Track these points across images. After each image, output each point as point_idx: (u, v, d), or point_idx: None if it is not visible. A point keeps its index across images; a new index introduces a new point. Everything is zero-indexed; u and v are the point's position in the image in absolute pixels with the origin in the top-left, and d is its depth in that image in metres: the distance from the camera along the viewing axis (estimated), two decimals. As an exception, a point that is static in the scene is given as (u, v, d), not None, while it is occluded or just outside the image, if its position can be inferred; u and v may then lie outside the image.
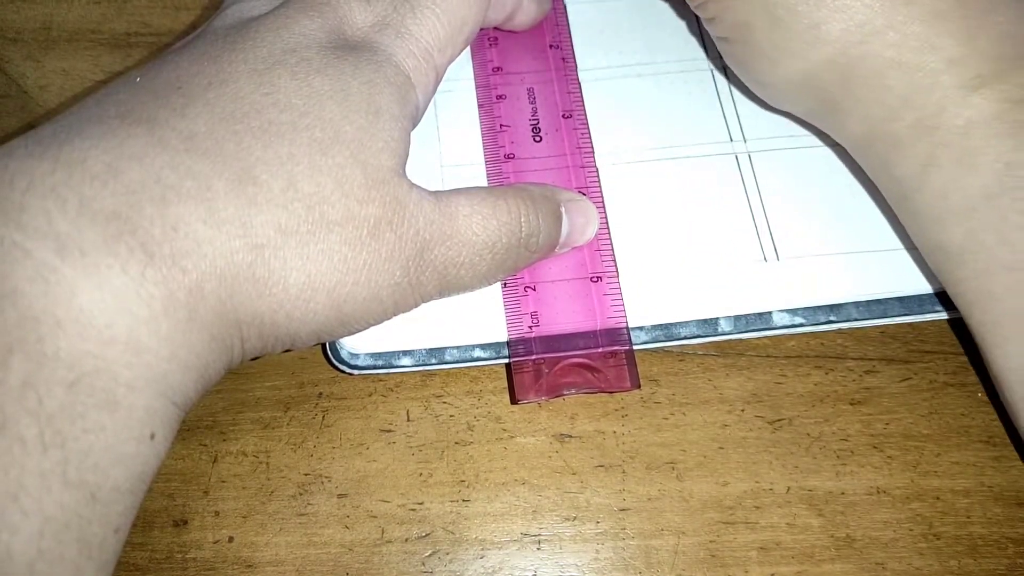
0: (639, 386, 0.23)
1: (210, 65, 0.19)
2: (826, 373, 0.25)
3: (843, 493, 0.23)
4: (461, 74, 0.28)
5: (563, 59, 0.28)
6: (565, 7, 0.29)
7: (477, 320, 0.24)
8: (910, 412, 0.24)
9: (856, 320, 0.24)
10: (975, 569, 0.22)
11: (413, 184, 0.20)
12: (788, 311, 0.24)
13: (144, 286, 0.16)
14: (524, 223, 0.22)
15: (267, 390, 0.25)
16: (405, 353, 0.24)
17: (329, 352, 0.24)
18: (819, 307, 0.24)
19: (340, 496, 0.23)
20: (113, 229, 0.16)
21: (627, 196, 0.26)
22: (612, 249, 0.24)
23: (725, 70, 0.28)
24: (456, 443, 0.24)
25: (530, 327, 0.23)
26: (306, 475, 0.24)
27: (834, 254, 0.25)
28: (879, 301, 0.24)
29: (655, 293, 0.24)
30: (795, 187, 0.26)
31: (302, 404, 0.25)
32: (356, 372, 0.24)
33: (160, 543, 0.23)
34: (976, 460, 0.24)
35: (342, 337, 0.20)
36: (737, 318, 0.24)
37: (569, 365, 0.23)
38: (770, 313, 0.24)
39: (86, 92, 0.29)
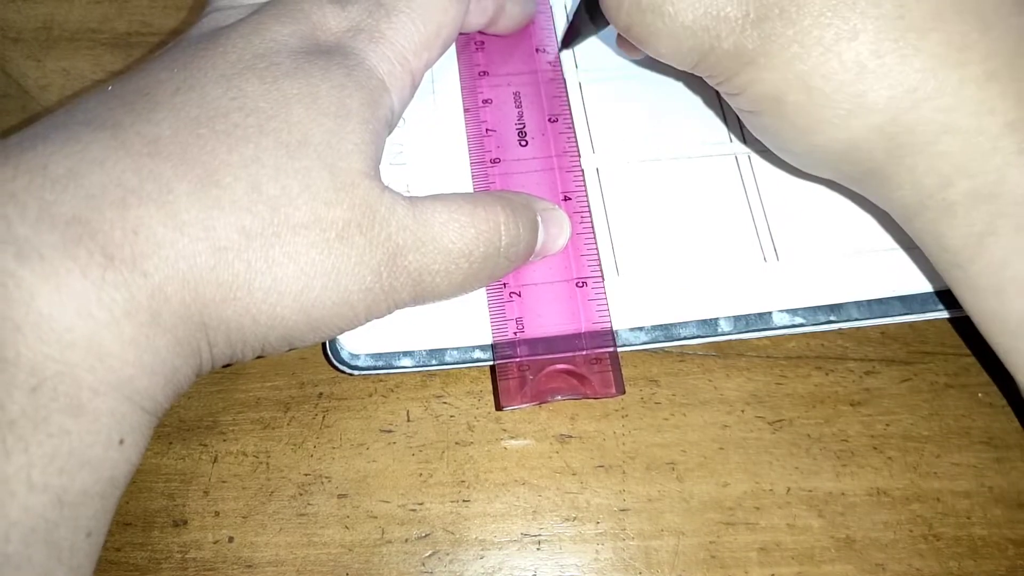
0: (624, 392, 0.23)
1: (179, 72, 0.19)
2: (826, 374, 0.25)
3: (843, 494, 0.23)
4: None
5: (549, 63, 0.28)
6: (551, 10, 0.29)
7: (477, 321, 0.24)
8: (910, 413, 0.24)
9: (856, 320, 0.24)
10: (975, 570, 0.22)
11: (386, 188, 0.20)
12: (788, 311, 0.24)
13: (104, 290, 0.16)
14: (504, 232, 0.21)
15: (267, 390, 0.25)
16: (405, 354, 0.24)
17: (329, 353, 0.24)
18: (819, 307, 0.24)
19: (340, 496, 0.23)
20: (73, 233, 0.16)
21: (627, 196, 0.26)
22: (598, 254, 0.24)
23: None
24: (456, 443, 0.24)
25: (515, 332, 0.23)
26: (306, 475, 0.24)
27: (834, 254, 0.25)
28: (880, 301, 0.24)
29: (655, 293, 0.24)
30: (795, 188, 0.26)
31: (302, 404, 0.25)
32: (356, 373, 0.24)
33: (160, 543, 0.23)
34: (976, 461, 0.23)
35: (314, 342, 0.20)
36: (737, 318, 0.24)
37: (554, 371, 0.23)
38: (770, 313, 0.24)
39: (87, 92, 0.29)
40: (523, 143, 0.26)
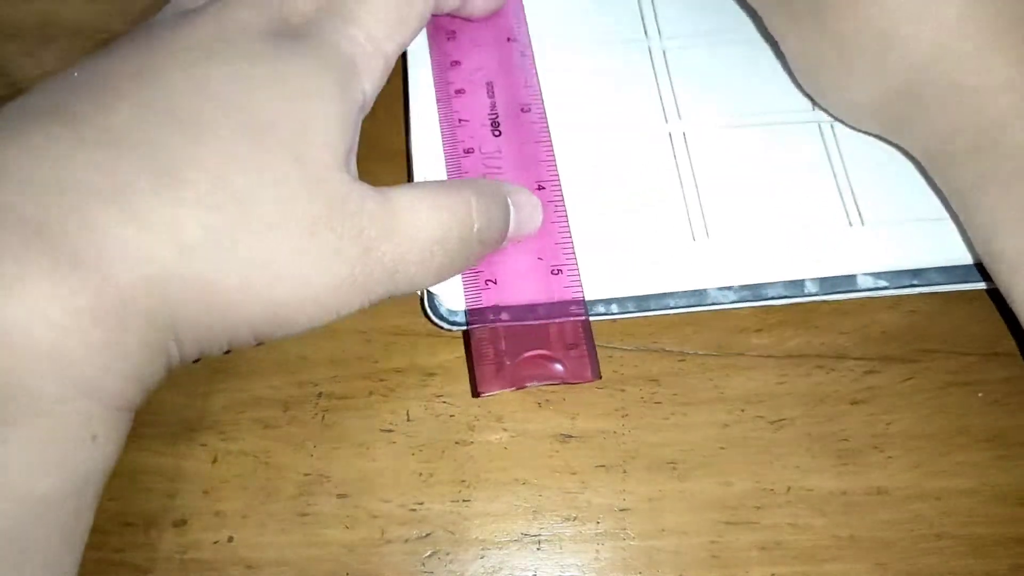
0: (600, 376, 0.23)
1: (143, 57, 0.19)
2: (827, 373, 0.25)
3: (845, 493, 0.23)
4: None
5: (521, 53, 0.27)
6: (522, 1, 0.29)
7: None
8: (912, 412, 0.24)
9: (938, 284, 0.24)
10: (977, 569, 0.22)
11: (356, 180, 0.20)
12: (872, 274, 0.24)
13: (68, 295, 0.16)
14: (476, 215, 0.21)
15: (267, 390, 0.25)
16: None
17: (427, 307, 0.24)
18: (903, 271, 0.24)
19: (340, 496, 0.23)
20: (33, 236, 0.16)
21: (714, 161, 0.26)
22: (572, 241, 0.24)
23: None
24: (456, 443, 0.24)
25: (491, 319, 0.23)
26: (306, 475, 0.24)
27: (917, 220, 0.25)
28: (961, 267, 0.24)
29: (743, 255, 0.25)
30: (878, 155, 0.26)
31: (302, 404, 0.25)
32: (455, 329, 0.24)
33: (160, 543, 0.23)
34: (979, 460, 0.23)
35: (283, 337, 0.20)
36: (823, 280, 0.24)
37: (531, 357, 0.23)
38: (855, 276, 0.24)
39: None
40: (496, 133, 0.26)
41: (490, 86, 0.27)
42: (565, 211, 0.25)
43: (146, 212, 0.17)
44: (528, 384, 0.23)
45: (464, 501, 0.23)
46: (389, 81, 0.29)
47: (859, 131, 0.26)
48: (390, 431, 0.24)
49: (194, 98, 0.18)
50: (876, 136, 0.26)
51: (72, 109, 0.17)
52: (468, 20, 0.27)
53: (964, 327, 0.25)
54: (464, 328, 0.24)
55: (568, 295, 0.24)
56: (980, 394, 0.24)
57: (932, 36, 0.22)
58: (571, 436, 0.24)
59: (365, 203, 0.19)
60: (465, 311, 0.24)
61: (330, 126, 0.19)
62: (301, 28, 0.20)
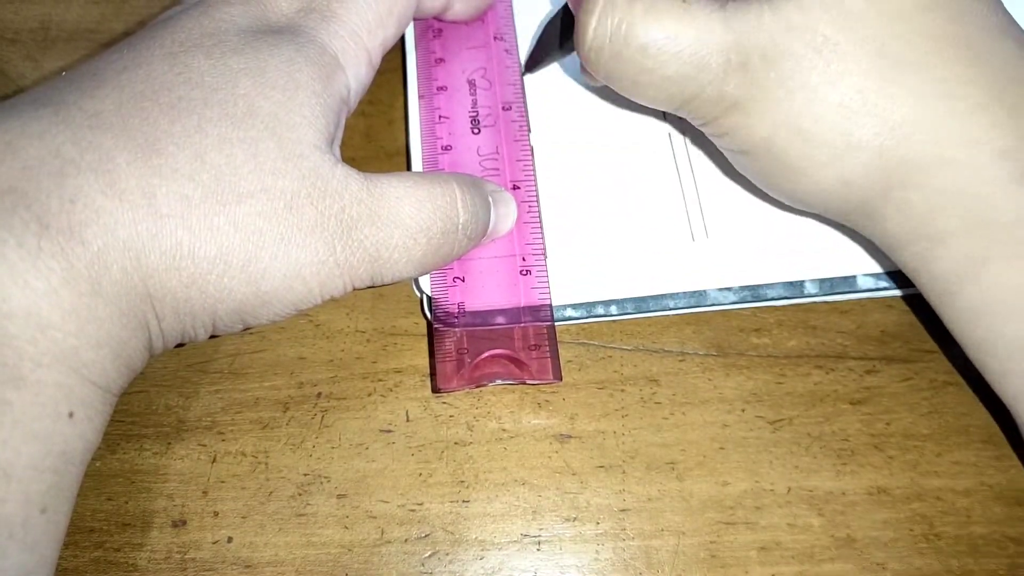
0: (560, 378, 0.23)
1: (128, 52, 0.19)
2: (826, 373, 0.25)
3: (843, 493, 0.23)
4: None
5: (506, 51, 0.27)
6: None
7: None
8: (911, 412, 0.24)
9: None
10: (976, 569, 0.22)
11: (340, 162, 0.20)
12: (873, 275, 0.25)
13: (41, 258, 0.16)
14: (461, 208, 0.21)
15: (266, 390, 0.25)
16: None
17: (426, 309, 0.24)
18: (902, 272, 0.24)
19: (339, 496, 0.23)
20: (8, 203, 0.16)
21: (714, 162, 0.26)
22: (543, 241, 0.24)
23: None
24: (456, 443, 0.24)
25: (456, 316, 0.23)
26: (305, 475, 0.24)
27: None
28: None
29: (742, 255, 0.25)
30: None
31: (301, 404, 0.25)
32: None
33: (159, 543, 0.23)
34: (977, 460, 0.23)
35: (268, 320, 0.20)
36: (823, 281, 0.24)
37: (492, 356, 0.23)
38: (855, 276, 0.24)
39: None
40: (475, 131, 0.26)
41: (472, 84, 0.27)
42: (539, 212, 0.25)
43: (122, 182, 0.17)
44: (488, 383, 0.23)
45: (463, 501, 0.23)
46: (388, 81, 0.29)
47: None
48: (389, 431, 0.24)
49: (176, 85, 0.18)
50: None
51: (58, 97, 0.18)
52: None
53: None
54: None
55: (535, 296, 0.24)
56: (981, 394, 0.24)
57: (905, 102, 0.20)
58: (571, 436, 0.24)
59: (348, 183, 0.19)
60: (430, 306, 0.24)
61: (313, 112, 0.19)
62: (283, 25, 0.21)
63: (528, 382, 0.23)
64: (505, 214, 0.24)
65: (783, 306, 0.25)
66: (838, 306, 0.26)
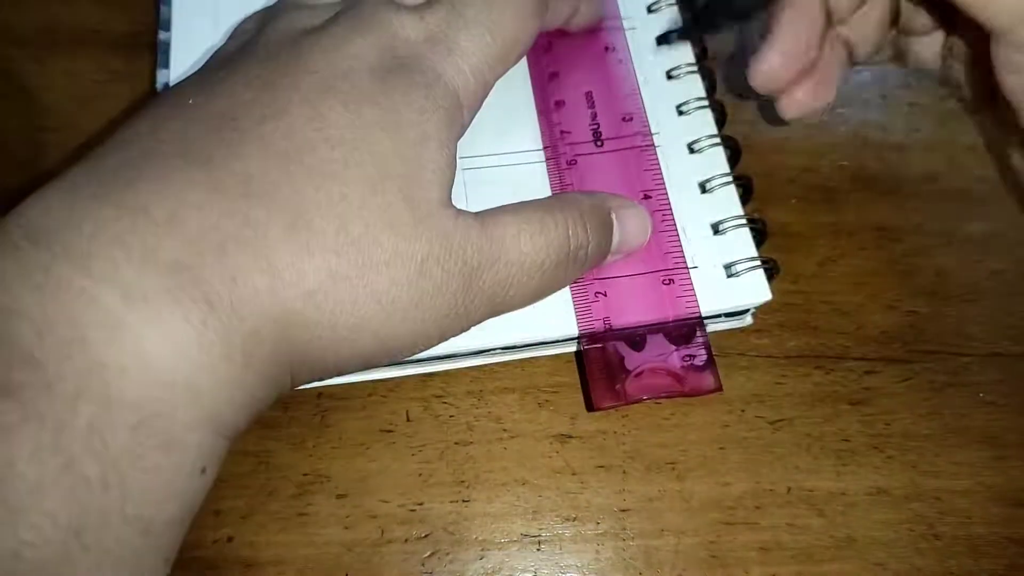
0: (721, 388, 0.22)
1: (263, 93, 0.19)
2: (826, 373, 0.25)
3: (843, 493, 0.23)
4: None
5: (619, 61, 0.27)
6: (619, 9, 0.28)
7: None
8: (910, 412, 0.24)
9: None
10: (975, 569, 0.22)
11: (459, 212, 0.20)
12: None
13: (205, 334, 0.17)
14: (572, 236, 0.21)
15: (267, 390, 0.25)
16: None
17: None
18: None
19: (340, 496, 0.23)
20: (175, 279, 0.17)
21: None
22: (682, 250, 0.24)
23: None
24: (456, 443, 0.24)
25: (603, 332, 0.23)
26: (306, 475, 0.24)
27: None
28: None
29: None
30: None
31: (302, 404, 0.25)
32: None
33: (160, 542, 0.23)
34: (976, 460, 0.24)
35: (388, 364, 0.21)
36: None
37: (647, 370, 0.23)
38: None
39: (89, 93, 0.30)
40: (599, 144, 0.26)
41: (590, 96, 0.26)
42: (673, 219, 0.24)
43: (277, 259, 0.18)
44: (645, 397, 0.23)
45: (464, 501, 0.23)
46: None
47: None
48: (390, 431, 0.24)
49: (317, 143, 0.19)
50: None
51: (205, 153, 0.18)
52: (564, 32, 0.27)
53: (962, 328, 0.25)
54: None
55: (681, 304, 0.23)
56: (980, 394, 0.24)
57: None
58: (571, 436, 0.24)
59: (469, 234, 0.20)
60: (577, 326, 0.23)
61: (438, 166, 0.20)
62: (409, 58, 0.21)
63: (688, 394, 0.22)
64: (636, 230, 0.24)
65: (783, 306, 0.25)
66: (838, 307, 0.26)
